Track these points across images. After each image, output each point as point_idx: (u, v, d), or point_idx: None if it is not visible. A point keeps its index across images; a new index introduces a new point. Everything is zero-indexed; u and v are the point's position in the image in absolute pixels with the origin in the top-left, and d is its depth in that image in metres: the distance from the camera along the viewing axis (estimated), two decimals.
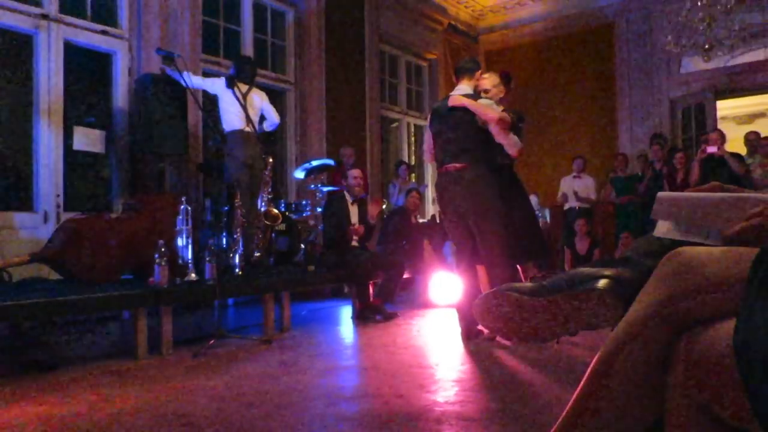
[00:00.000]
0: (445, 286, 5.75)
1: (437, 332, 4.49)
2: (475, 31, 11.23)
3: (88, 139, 5.52)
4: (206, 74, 5.87)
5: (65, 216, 5.16)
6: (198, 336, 4.33)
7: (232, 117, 5.03)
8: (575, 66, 10.21)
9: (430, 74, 10.23)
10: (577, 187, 8.23)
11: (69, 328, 4.92)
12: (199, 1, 6.46)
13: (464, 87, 3.94)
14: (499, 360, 3.42)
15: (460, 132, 3.79)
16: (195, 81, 4.89)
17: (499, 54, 11.17)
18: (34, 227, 5.11)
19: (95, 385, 2.99)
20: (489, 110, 3.70)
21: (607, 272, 1.14)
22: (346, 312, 5.72)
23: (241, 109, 4.97)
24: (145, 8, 5.93)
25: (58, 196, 5.26)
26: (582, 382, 0.96)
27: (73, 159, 5.53)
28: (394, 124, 9.73)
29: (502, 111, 3.82)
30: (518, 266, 4.09)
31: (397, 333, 4.41)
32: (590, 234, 7.85)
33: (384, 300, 5.26)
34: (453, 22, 10.54)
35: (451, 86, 4.20)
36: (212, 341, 3.79)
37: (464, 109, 3.77)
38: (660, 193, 1.25)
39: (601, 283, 1.11)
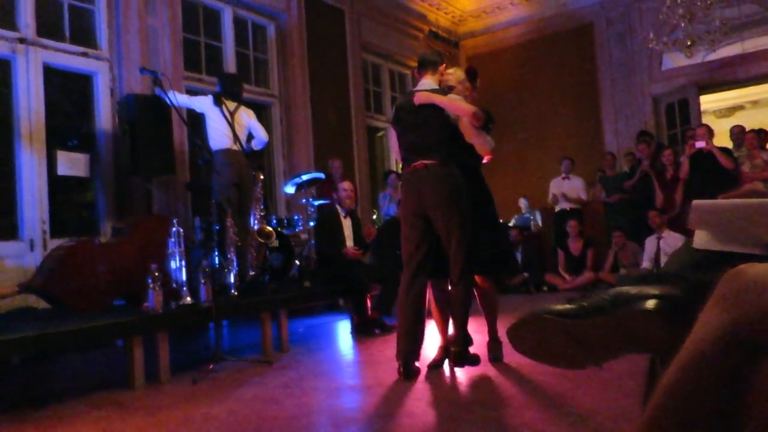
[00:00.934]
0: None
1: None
2: (456, 37, 11.24)
3: (71, 163, 5.40)
4: (189, 91, 5.78)
5: (52, 243, 5.04)
6: (194, 360, 4.23)
7: (219, 135, 4.95)
8: (558, 67, 10.24)
9: (413, 81, 10.19)
10: (566, 189, 8.23)
11: (58, 359, 4.79)
12: (179, 18, 6.38)
13: (429, 82, 3.58)
14: (513, 372, 3.36)
15: (428, 130, 3.46)
16: (181, 99, 4.80)
17: (481, 58, 11.17)
18: (20, 256, 4.98)
19: (94, 418, 2.89)
20: (462, 104, 3.40)
21: (654, 291, 1.07)
22: (343, 327, 5.64)
23: (229, 127, 4.89)
24: (125, 28, 5.84)
25: (43, 222, 5.13)
26: (647, 411, 0.90)
27: (57, 184, 5.41)
28: (380, 134, 9.69)
29: None
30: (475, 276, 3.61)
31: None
32: (582, 234, 7.84)
33: (382, 313, 5.19)
34: (433, 29, 10.54)
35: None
36: (211, 366, 3.69)
37: (432, 106, 3.45)
38: (695, 202, 1.20)
39: (650, 303, 1.04)
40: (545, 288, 7.74)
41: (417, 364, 3.37)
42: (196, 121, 5.07)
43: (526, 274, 7.76)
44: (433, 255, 3.47)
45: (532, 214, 9.43)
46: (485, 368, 3.43)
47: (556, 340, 1.04)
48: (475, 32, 11.19)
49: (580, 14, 10.06)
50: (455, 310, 3.45)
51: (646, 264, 6.75)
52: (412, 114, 3.51)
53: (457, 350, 3.47)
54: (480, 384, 3.12)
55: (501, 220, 5.28)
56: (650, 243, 6.78)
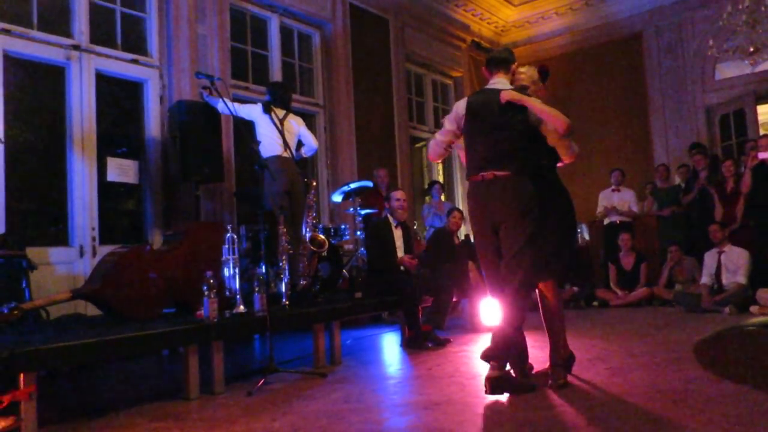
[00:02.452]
0: (495, 308, 5.48)
1: None
2: (498, 47, 11.09)
3: (121, 170, 5.39)
4: (236, 100, 5.73)
5: (101, 250, 5.01)
6: (244, 371, 4.12)
7: (269, 142, 4.86)
8: (604, 78, 10.00)
9: (456, 92, 10.06)
10: (616, 201, 7.96)
11: (106, 368, 4.72)
12: (227, 26, 6.37)
13: (503, 81, 3.30)
14: (577, 389, 3.16)
15: (506, 134, 3.16)
16: (232, 107, 4.73)
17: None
18: (70, 262, 4.95)
19: (152, 430, 2.77)
20: (558, 114, 3.13)
21: None
22: (391, 339, 5.47)
23: (279, 134, 4.80)
24: (175, 35, 5.83)
25: (93, 229, 5.10)
26: None
27: (105, 191, 5.39)
28: (419, 144, 9.54)
29: None
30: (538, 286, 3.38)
31: (456, 361, 4.15)
32: (634, 248, 7.55)
33: (434, 326, 5.01)
34: (476, 39, 10.40)
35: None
36: (265, 377, 3.55)
37: (517, 108, 3.15)
38: None
39: None
40: (596, 303, 7.45)
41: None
42: (248, 129, 4.99)
43: (575, 289, 7.49)
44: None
45: (579, 227, 9.15)
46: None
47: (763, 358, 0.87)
48: (517, 43, 11.01)
49: (627, 24, 9.82)
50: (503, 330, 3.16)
51: (705, 279, 6.44)
52: (492, 114, 3.19)
53: (493, 375, 3.06)
54: (562, 402, 2.91)
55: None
56: (710, 257, 6.47)
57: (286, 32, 7.26)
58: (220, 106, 5.03)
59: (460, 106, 3.35)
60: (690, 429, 2.33)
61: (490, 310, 5.52)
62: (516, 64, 3.41)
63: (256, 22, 6.97)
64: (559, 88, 10.45)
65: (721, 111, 8.85)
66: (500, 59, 3.38)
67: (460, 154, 3.53)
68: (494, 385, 3.02)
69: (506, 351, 3.12)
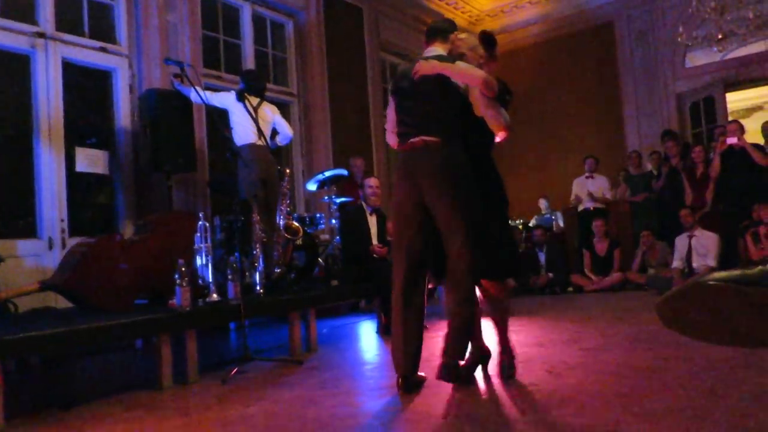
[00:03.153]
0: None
1: None
2: (473, 36, 11.11)
3: (90, 160, 5.27)
4: (208, 88, 5.65)
5: (70, 242, 4.91)
6: (219, 361, 4.08)
7: (243, 131, 4.80)
8: (577, 66, 10.09)
9: None
10: (590, 188, 8.04)
11: (77, 360, 4.65)
12: (198, 14, 6.26)
13: (435, 49, 3.02)
14: (550, 368, 3.19)
15: (431, 101, 2.92)
16: (205, 95, 4.66)
17: (499, 58, 11.02)
18: (38, 254, 4.85)
19: (125, 420, 2.73)
20: (470, 70, 2.83)
21: None
22: (368, 327, 5.47)
23: (253, 122, 4.74)
24: (144, 23, 5.72)
25: (62, 221, 5.00)
26: None
27: (75, 182, 5.28)
28: None
29: None
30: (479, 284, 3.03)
31: (431, 346, 4.13)
32: (608, 234, 7.65)
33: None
34: None
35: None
36: (239, 366, 3.53)
37: (438, 77, 2.86)
38: None
39: None
40: (571, 289, 7.54)
41: (421, 374, 2.95)
42: (220, 117, 4.92)
43: (550, 275, 7.56)
44: (436, 253, 2.91)
45: (553, 215, 9.25)
46: (543, 363, 3.25)
47: (732, 312, 0.87)
48: (492, 32, 11.03)
49: (600, 12, 9.90)
50: (452, 317, 2.86)
51: (677, 263, 6.55)
52: (415, 84, 2.93)
53: (445, 362, 2.81)
54: (527, 386, 2.94)
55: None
56: (681, 242, 6.58)
57: (258, 21, 7.18)
58: (193, 95, 4.95)
59: (392, 82, 3.16)
60: (657, 402, 2.38)
61: None
62: (455, 34, 3.13)
63: (228, 11, 6.87)
64: (533, 77, 10.53)
65: (691, 98, 8.99)
66: (436, 29, 3.13)
67: (390, 139, 3.23)
68: (445, 371, 2.78)
69: (466, 342, 2.96)
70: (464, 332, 2.88)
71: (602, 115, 9.77)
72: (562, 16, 10.21)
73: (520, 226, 8.99)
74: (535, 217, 9.40)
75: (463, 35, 3.18)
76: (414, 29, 9.55)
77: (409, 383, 2.86)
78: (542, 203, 9.49)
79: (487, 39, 3.08)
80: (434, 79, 2.87)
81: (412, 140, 2.90)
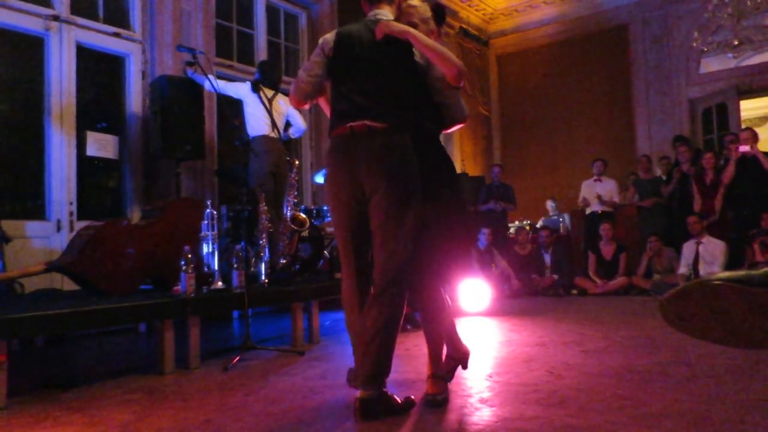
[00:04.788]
0: (476, 293, 5.53)
1: (477, 341, 4.26)
2: (486, 35, 11.08)
3: (101, 145, 5.31)
4: (220, 77, 5.66)
5: (78, 225, 4.94)
6: (221, 348, 4.10)
7: (256, 122, 4.82)
8: (590, 68, 10.05)
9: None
10: (599, 191, 8.01)
11: (80, 343, 4.69)
12: (212, 2, 6.28)
13: (385, 12, 2.57)
14: (560, 360, 3.19)
15: (385, 75, 2.45)
16: (219, 85, 4.67)
17: (511, 57, 11.01)
18: (46, 236, 4.89)
19: (124, 402, 2.75)
20: (448, 53, 2.44)
21: None
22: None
23: (267, 113, 4.76)
24: (158, 10, 5.74)
25: (71, 203, 5.03)
26: None
27: (84, 166, 5.31)
28: None
29: None
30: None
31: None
32: (615, 238, 7.62)
33: (413, 308, 5.01)
34: (464, 26, 10.38)
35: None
36: (241, 354, 3.54)
37: (401, 45, 2.44)
38: None
39: None
40: (575, 291, 7.52)
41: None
42: (230, 106, 4.93)
43: (555, 276, 7.55)
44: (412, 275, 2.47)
45: (561, 216, 9.22)
46: (543, 361, 3.25)
47: (735, 312, 0.87)
48: (505, 31, 11.01)
49: (614, 15, 9.85)
50: (371, 331, 2.33)
51: (683, 270, 6.52)
52: (368, 50, 2.46)
53: (364, 396, 2.30)
54: (527, 385, 2.94)
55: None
56: (688, 248, 6.55)
57: (272, 11, 7.18)
58: (207, 84, 4.97)
59: (328, 39, 2.57)
60: (656, 406, 2.37)
61: (470, 294, 5.56)
62: None
63: (241, 0, 6.88)
64: (545, 78, 10.50)
65: (703, 104, 8.93)
66: None
67: (322, 104, 2.79)
68: (364, 407, 2.30)
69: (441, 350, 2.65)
70: (385, 350, 2.36)
71: (612, 118, 9.74)
72: (576, 17, 10.17)
73: (527, 227, 8.98)
74: (542, 218, 9.38)
75: (415, 1, 2.71)
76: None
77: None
78: (549, 205, 9.46)
79: (441, 12, 2.78)
80: (395, 48, 2.44)
81: (352, 123, 2.42)
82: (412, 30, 2.43)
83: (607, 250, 7.54)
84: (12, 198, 4.98)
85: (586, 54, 10.09)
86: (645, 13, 9.45)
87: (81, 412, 2.61)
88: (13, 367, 2.81)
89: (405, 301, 2.41)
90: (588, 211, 8.12)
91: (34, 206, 5.02)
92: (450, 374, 2.81)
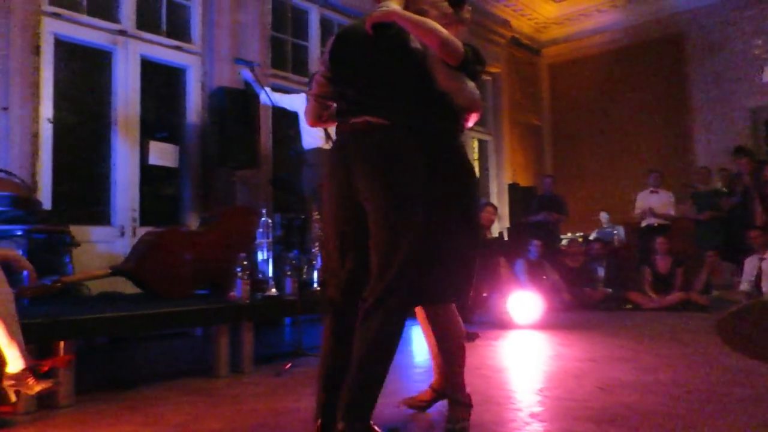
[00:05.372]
0: (525, 306, 5.48)
1: (527, 354, 4.23)
2: (538, 44, 10.99)
3: (162, 154, 5.53)
4: (275, 89, 5.81)
5: (140, 231, 5.15)
6: (272, 354, 4.19)
7: (311, 135, 4.91)
8: (644, 77, 9.83)
9: (494, 88, 10.00)
10: (653, 203, 7.81)
11: (141, 344, 4.87)
12: (268, 16, 6.46)
13: (389, 4, 2.28)
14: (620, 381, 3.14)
15: (382, 69, 2.24)
16: (275, 97, 4.79)
17: (563, 67, 10.87)
18: (110, 241, 5.11)
19: (180, 403, 2.86)
20: (430, 25, 2.17)
21: None
22: (416, 332, 5.49)
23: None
24: (217, 23, 5.94)
25: (134, 210, 5.26)
26: None
27: (145, 174, 5.53)
28: None
29: None
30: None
31: (483, 354, 4.16)
32: (671, 252, 7.40)
33: (462, 320, 5.00)
34: (516, 35, 10.32)
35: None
36: (293, 360, 3.62)
37: (395, 33, 2.22)
38: None
39: None
40: (628, 306, 7.34)
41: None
42: (284, 117, 5.06)
43: (608, 290, 7.39)
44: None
45: (614, 229, 9.03)
46: (595, 378, 3.21)
47: None
48: (557, 40, 10.89)
49: (669, 22, 9.61)
50: (360, 354, 2.12)
51: (744, 286, 6.29)
52: (360, 46, 2.26)
53: (345, 427, 2.03)
54: (577, 401, 2.90)
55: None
56: (750, 264, 6.32)
57: (326, 24, 7.32)
58: (263, 96, 5.10)
59: (329, 42, 2.42)
60: (713, 428, 2.31)
61: (520, 306, 5.51)
62: None
63: (296, 13, 7.06)
64: (598, 87, 10.32)
65: (765, 114, 8.60)
66: None
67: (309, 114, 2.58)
68: None
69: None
70: (374, 378, 2.17)
71: (669, 129, 9.49)
72: (630, 25, 9.97)
73: (580, 239, 8.82)
74: (596, 230, 9.20)
75: None
76: (478, 36, 9.51)
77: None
78: (603, 216, 9.28)
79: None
80: (388, 37, 2.23)
81: (353, 120, 2.23)
82: (395, 9, 2.21)
83: (662, 264, 7.33)
84: (79, 204, 5.23)
85: (640, 62, 9.88)
86: (702, 20, 9.19)
87: (139, 411, 2.73)
88: (78, 365, 2.96)
89: (403, 319, 2.18)
90: (643, 223, 7.92)
91: (99, 212, 5.26)
92: (426, 404, 2.70)
